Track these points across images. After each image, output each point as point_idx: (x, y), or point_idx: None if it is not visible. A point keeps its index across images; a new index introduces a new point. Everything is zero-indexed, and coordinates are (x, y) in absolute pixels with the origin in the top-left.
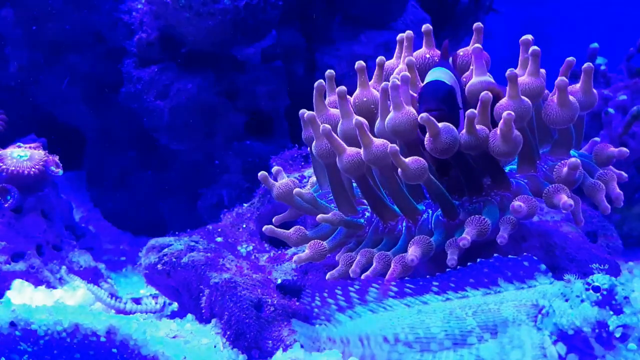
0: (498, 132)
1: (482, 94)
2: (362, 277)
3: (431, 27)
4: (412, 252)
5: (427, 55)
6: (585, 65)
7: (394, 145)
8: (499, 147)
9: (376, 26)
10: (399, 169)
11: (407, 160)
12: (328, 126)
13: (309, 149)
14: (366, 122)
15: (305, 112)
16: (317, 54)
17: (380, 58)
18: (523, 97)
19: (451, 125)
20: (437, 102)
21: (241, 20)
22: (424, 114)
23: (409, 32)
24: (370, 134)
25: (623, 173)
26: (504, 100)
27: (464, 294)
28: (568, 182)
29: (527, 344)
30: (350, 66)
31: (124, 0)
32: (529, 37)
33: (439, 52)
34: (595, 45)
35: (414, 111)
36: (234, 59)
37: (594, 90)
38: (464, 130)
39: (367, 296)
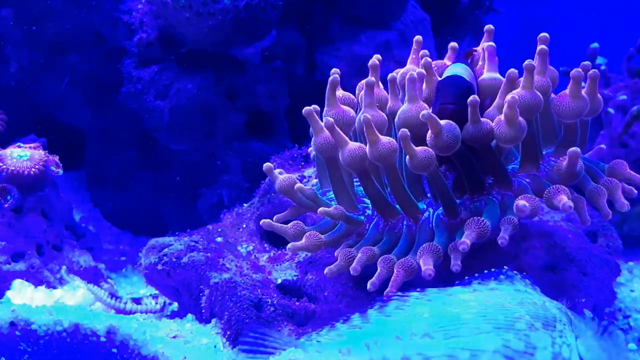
0: (502, 117)
1: (509, 71)
2: (368, 285)
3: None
4: (425, 263)
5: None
6: (592, 71)
7: (405, 130)
8: (504, 132)
9: (376, 26)
10: (407, 157)
11: (416, 148)
12: (331, 119)
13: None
14: (384, 117)
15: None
16: (317, 54)
17: (374, 60)
18: (536, 90)
19: (454, 124)
20: (455, 97)
21: (241, 20)
22: (425, 112)
23: (418, 37)
24: (377, 132)
25: (634, 189)
26: (517, 90)
27: (493, 287)
28: (570, 174)
29: (572, 343)
30: (350, 66)
31: (124, 0)
32: (546, 35)
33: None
34: (595, 45)
35: (427, 106)
36: (234, 59)
37: (599, 96)
38: (468, 123)
39: (387, 307)
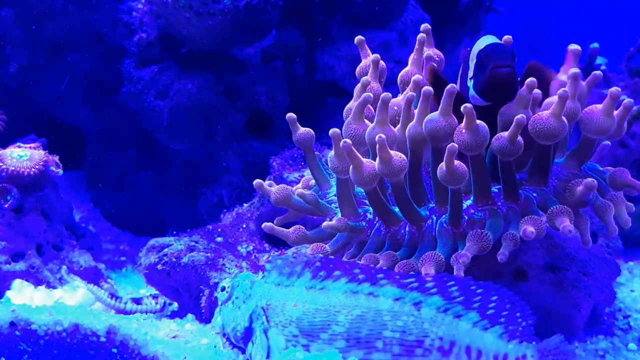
0: (548, 112)
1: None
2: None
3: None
4: (427, 271)
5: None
6: (626, 100)
7: (454, 144)
8: (548, 125)
9: (376, 26)
10: (445, 167)
11: (456, 162)
12: (349, 141)
13: (304, 153)
14: (396, 134)
15: (293, 115)
16: (317, 54)
17: (375, 56)
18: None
19: (485, 124)
20: (507, 59)
21: (241, 20)
22: (468, 104)
23: (421, 36)
24: (389, 150)
25: (632, 207)
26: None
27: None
28: (581, 202)
29: None
30: (350, 66)
31: (124, 0)
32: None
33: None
34: (595, 45)
35: (457, 122)
36: (234, 59)
37: (625, 125)
38: (505, 136)
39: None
